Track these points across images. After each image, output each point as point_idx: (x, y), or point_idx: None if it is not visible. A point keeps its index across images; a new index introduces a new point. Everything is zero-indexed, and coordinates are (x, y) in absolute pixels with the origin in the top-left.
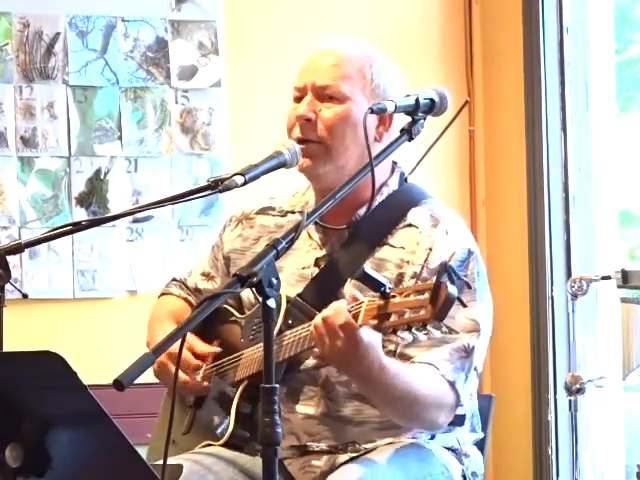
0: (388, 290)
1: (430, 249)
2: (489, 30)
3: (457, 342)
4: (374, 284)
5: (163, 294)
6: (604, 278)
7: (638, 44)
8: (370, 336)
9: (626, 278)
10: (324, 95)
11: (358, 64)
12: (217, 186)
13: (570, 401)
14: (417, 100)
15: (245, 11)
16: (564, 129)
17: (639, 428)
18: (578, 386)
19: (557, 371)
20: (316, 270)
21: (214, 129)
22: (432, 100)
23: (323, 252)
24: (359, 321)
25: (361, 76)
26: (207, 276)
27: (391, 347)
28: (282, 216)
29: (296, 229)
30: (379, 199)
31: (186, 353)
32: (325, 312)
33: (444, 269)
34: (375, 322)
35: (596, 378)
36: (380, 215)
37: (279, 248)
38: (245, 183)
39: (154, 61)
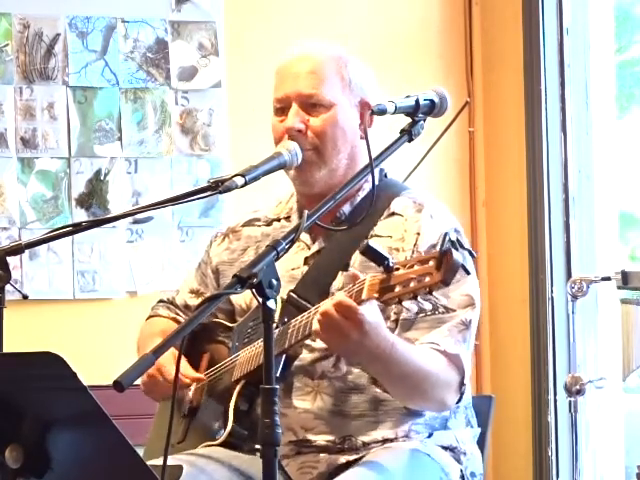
0: (392, 263)
1: (418, 234)
2: (489, 30)
3: (455, 319)
4: (378, 258)
5: (151, 316)
6: (604, 279)
7: (639, 44)
8: (373, 315)
9: (626, 279)
10: (309, 104)
11: (334, 67)
12: (217, 187)
13: (570, 402)
14: (417, 101)
15: (245, 11)
16: (564, 130)
17: (639, 429)
18: (578, 387)
19: (557, 372)
20: (306, 268)
21: (214, 130)
22: (432, 101)
23: (311, 251)
24: (363, 295)
25: (339, 78)
26: (196, 293)
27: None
28: (267, 225)
29: (296, 230)
30: (361, 194)
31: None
32: (322, 306)
33: (447, 239)
34: (379, 295)
35: (596, 379)
36: (363, 209)
37: (279, 249)
38: (245, 184)
39: (154, 62)
